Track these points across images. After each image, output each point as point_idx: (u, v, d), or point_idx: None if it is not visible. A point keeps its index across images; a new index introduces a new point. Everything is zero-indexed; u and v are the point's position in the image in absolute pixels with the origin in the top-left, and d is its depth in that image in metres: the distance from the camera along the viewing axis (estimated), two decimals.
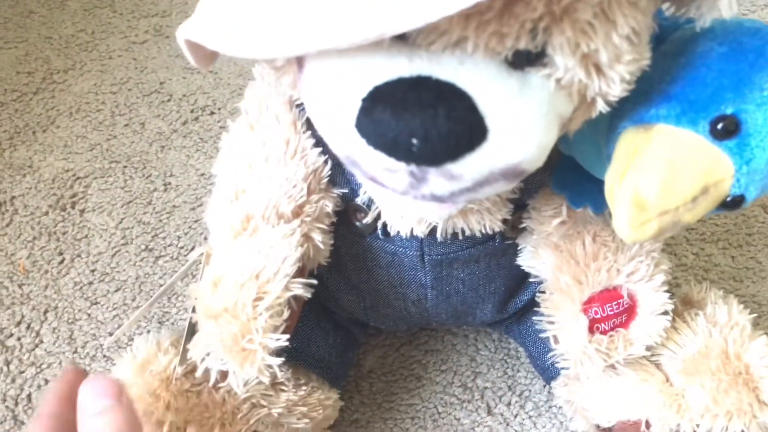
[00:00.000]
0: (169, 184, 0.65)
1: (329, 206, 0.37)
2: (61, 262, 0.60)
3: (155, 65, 0.76)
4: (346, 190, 0.37)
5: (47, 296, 0.58)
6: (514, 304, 0.45)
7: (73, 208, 0.64)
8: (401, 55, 0.25)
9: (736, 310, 0.40)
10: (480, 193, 0.27)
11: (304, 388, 0.43)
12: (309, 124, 0.37)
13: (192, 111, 0.71)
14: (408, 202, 0.29)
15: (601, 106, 0.28)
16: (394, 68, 0.25)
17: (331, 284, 0.43)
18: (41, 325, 0.56)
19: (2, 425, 0.51)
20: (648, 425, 0.39)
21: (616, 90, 0.27)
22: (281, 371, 0.39)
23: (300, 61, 0.28)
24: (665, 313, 0.38)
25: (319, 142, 0.36)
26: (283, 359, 0.35)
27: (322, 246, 0.37)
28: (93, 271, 0.59)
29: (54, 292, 0.58)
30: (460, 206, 0.31)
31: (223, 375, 0.37)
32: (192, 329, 0.37)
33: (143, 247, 0.61)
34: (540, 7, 0.23)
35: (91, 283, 0.58)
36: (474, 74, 0.25)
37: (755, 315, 0.52)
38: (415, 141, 0.25)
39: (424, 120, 0.24)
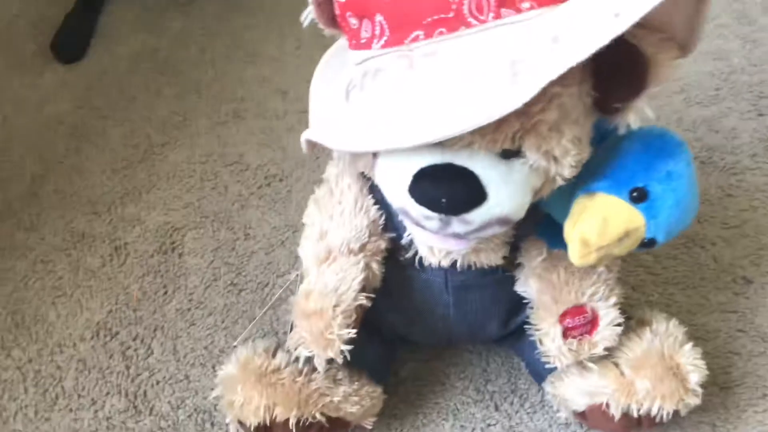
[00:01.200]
0: (248, 234, 0.83)
1: (383, 245, 0.55)
2: (165, 293, 0.78)
3: (235, 141, 0.95)
4: (394, 235, 0.55)
5: (155, 319, 0.75)
6: (514, 322, 0.61)
7: (173, 252, 0.82)
8: (437, 151, 0.43)
9: (672, 325, 0.57)
10: (484, 233, 0.45)
11: (356, 383, 0.59)
12: (371, 190, 0.54)
13: (265, 178, 0.89)
14: (439, 239, 0.46)
15: (560, 182, 0.45)
16: (432, 158, 0.43)
17: (380, 306, 0.60)
18: (152, 340, 0.73)
19: (126, 413, 0.68)
20: (608, 406, 0.54)
21: (567, 172, 0.44)
22: (340, 371, 0.56)
23: (375, 152, 0.46)
24: (618, 324, 0.54)
25: (377, 202, 0.54)
26: (351, 347, 0.51)
27: (377, 273, 0.55)
28: (190, 300, 0.77)
29: (161, 315, 0.75)
30: (473, 243, 0.48)
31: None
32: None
33: (229, 282, 0.78)
34: (516, 125, 0.41)
35: (189, 309, 0.76)
36: (479, 162, 0.42)
37: (703, 340, 0.68)
38: (444, 200, 0.42)
39: (449, 188, 0.42)
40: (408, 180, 0.43)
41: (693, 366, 0.54)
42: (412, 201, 0.44)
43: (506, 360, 0.68)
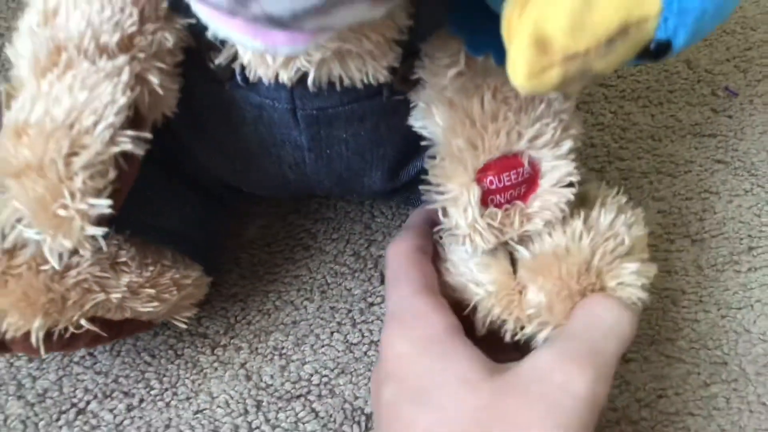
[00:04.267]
0: None
1: (170, 40, 0.29)
2: None
3: None
4: (193, 21, 0.30)
5: None
6: (406, 171, 0.39)
7: None
8: None
9: (623, 222, 0.34)
10: (335, 16, 0.20)
11: (150, 268, 0.36)
12: None
13: None
14: (244, 29, 0.22)
15: None
16: None
17: (190, 142, 0.36)
18: None
19: None
20: (473, 311, 0.35)
21: None
22: (123, 249, 0.33)
23: None
24: (571, 184, 0.33)
25: None
26: (107, 229, 0.28)
27: (161, 91, 0.30)
28: None
29: None
30: (321, 41, 0.24)
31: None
32: None
33: None
34: None
35: None
36: None
37: (671, 175, 0.49)
38: None
39: None
40: None
41: (627, 291, 0.33)
42: None
43: (398, 212, 0.48)
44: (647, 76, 0.55)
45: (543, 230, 0.33)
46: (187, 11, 0.30)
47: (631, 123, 0.52)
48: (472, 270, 0.34)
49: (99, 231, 0.28)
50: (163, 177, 0.36)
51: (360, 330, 0.44)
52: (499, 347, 0.34)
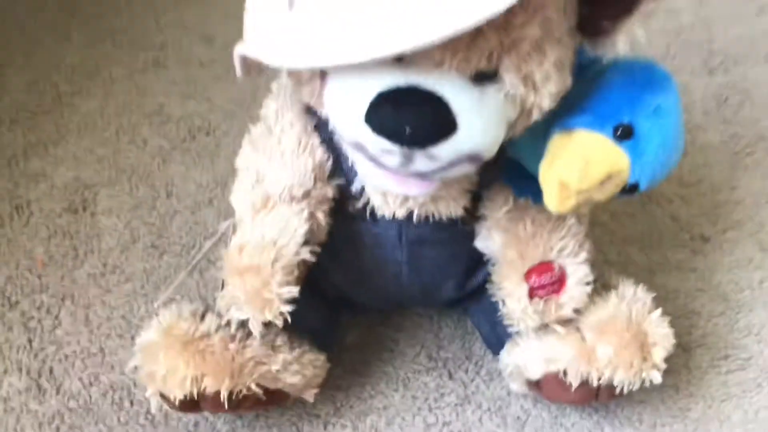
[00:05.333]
0: (171, 192, 0.74)
1: (330, 193, 0.48)
2: (75, 257, 0.68)
3: (155, 91, 0.85)
4: (343, 181, 0.48)
5: (64, 285, 0.66)
6: (471, 283, 0.55)
7: (84, 210, 0.72)
8: (399, 71, 0.36)
9: (640, 290, 0.52)
10: (451, 171, 0.38)
11: (297, 350, 0.52)
12: (316, 128, 0.47)
13: (189, 131, 0.80)
14: (398, 180, 0.40)
15: (537, 115, 0.40)
16: (393, 80, 0.36)
17: (325, 263, 0.53)
18: (59, 310, 0.64)
19: (27, 393, 0.59)
20: (565, 374, 0.49)
21: (546, 102, 0.39)
22: (279, 336, 0.49)
23: (323, 75, 0.39)
24: (588, 283, 0.49)
25: (324, 142, 0.47)
26: (292, 307, 0.44)
27: (323, 224, 0.48)
28: (104, 264, 0.68)
29: (70, 282, 0.66)
30: (435, 185, 0.42)
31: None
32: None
33: (149, 244, 0.69)
34: (494, 41, 0.35)
35: (103, 275, 0.67)
36: (449, 86, 0.36)
37: (663, 299, 0.64)
38: (408, 129, 0.35)
39: (414, 115, 0.35)
40: (364, 106, 0.36)
41: (661, 336, 0.49)
42: (369, 131, 0.37)
43: (459, 324, 0.63)
44: (642, 225, 0.72)
45: (589, 307, 0.49)
46: (339, 175, 0.48)
47: (630, 260, 0.69)
48: (558, 344, 0.49)
49: (289, 308, 0.44)
50: (306, 288, 0.53)
51: (435, 414, 0.58)
52: (588, 393, 0.49)
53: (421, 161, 0.37)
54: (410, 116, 0.35)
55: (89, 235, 0.70)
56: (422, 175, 0.38)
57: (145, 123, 0.81)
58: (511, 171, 0.48)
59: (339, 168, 0.48)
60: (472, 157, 0.38)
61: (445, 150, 0.37)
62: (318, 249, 0.47)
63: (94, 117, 0.82)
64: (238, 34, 0.41)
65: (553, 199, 0.40)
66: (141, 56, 0.90)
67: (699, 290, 0.66)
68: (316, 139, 0.47)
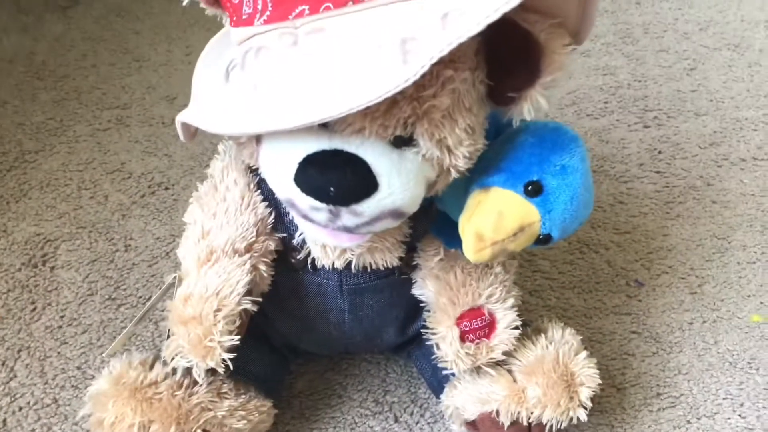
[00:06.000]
0: (129, 246, 0.77)
1: (272, 245, 0.51)
2: (33, 309, 0.70)
3: (117, 148, 0.89)
4: (284, 235, 0.51)
5: (20, 338, 0.68)
6: (411, 328, 0.58)
7: (44, 265, 0.74)
8: (324, 136, 0.40)
9: (568, 333, 0.55)
10: (376, 226, 0.42)
11: (243, 396, 0.54)
12: (259, 186, 0.51)
13: (149, 186, 0.84)
14: (329, 233, 0.43)
15: (454, 174, 0.44)
16: (319, 144, 0.40)
17: (270, 312, 0.56)
18: (15, 362, 0.66)
19: None
20: (498, 414, 0.52)
21: (462, 163, 0.43)
22: (225, 383, 0.51)
23: (258, 138, 0.43)
24: (516, 327, 0.53)
25: (266, 199, 0.50)
26: (234, 354, 0.47)
27: (265, 275, 0.51)
28: (62, 317, 0.70)
29: (27, 335, 0.68)
30: (365, 239, 0.45)
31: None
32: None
33: (107, 297, 0.72)
34: (408, 110, 0.39)
35: (60, 327, 0.69)
36: (370, 150, 0.40)
37: (599, 342, 0.68)
38: (332, 189, 0.39)
39: (338, 176, 0.39)
40: (293, 168, 0.40)
41: (587, 377, 0.53)
42: (298, 191, 0.40)
43: (405, 369, 0.66)
44: (580, 271, 0.76)
45: (520, 350, 0.53)
46: (281, 229, 0.51)
47: (569, 305, 0.72)
48: (490, 386, 0.53)
49: (230, 355, 0.47)
50: (252, 337, 0.55)
51: None
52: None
53: (347, 217, 0.41)
54: (334, 177, 0.39)
55: (48, 289, 0.72)
56: (349, 229, 0.42)
57: (106, 179, 0.84)
58: (441, 223, 0.52)
59: (280, 222, 0.51)
60: (394, 213, 0.42)
61: (368, 207, 0.40)
62: (260, 299, 0.50)
63: (57, 174, 0.85)
64: None
65: (470, 248, 0.44)
66: (105, 115, 0.94)
67: (633, 332, 0.70)
68: (258, 196, 0.50)
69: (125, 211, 0.81)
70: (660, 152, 0.90)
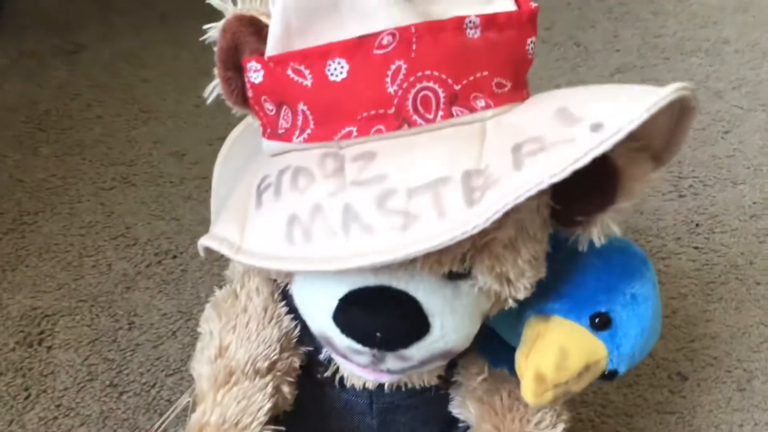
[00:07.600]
0: (133, 323, 0.71)
1: (297, 362, 0.45)
2: (27, 397, 0.64)
3: (122, 210, 0.83)
4: (311, 348, 0.46)
5: (12, 431, 0.62)
6: None
7: (40, 344, 0.69)
8: (368, 270, 0.34)
9: None
10: (424, 369, 0.37)
11: None
12: (284, 295, 0.45)
13: (156, 254, 0.78)
14: (368, 373, 0.38)
15: (511, 304, 0.38)
16: (363, 279, 0.34)
17: (293, 428, 0.50)
18: None
19: None
20: None
21: (521, 295, 0.37)
22: None
23: None
24: None
25: (291, 310, 0.45)
26: None
27: (288, 397, 0.45)
28: (58, 406, 0.64)
29: (19, 427, 0.62)
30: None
31: None
32: None
33: (107, 382, 0.66)
34: (467, 244, 0.34)
35: (56, 418, 0.63)
36: (421, 286, 0.35)
37: None
38: (378, 334, 0.34)
39: (385, 318, 0.34)
40: (333, 304, 0.35)
41: None
42: (338, 331, 0.35)
43: None
44: None
45: None
46: (307, 342, 0.46)
47: (608, 401, 0.67)
48: None
49: None
50: None
51: None
52: None
53: (392, 362, 0.35)
54: (381, 319, 0.34)
55: (43, 373, 0.66)
56: (393, 373, 0.37)
57: (110, 245, 0.79)
58: (486, 340, 0.47)
59: (306, 335, 0.46)
60: (445, 354, 0.36)
61: (418, 351, 0.35)
62: (283, 429, 0.44)
63: (57, 238, 0.79)
64: (211, 152, 0.39)
65: (529, 391, 0.39)
66: (110, 172, 0.89)
67: None
68: (282, 308, 0.45)
69: (129, 282, 0.75)
70: (697, 225, 0.85)
